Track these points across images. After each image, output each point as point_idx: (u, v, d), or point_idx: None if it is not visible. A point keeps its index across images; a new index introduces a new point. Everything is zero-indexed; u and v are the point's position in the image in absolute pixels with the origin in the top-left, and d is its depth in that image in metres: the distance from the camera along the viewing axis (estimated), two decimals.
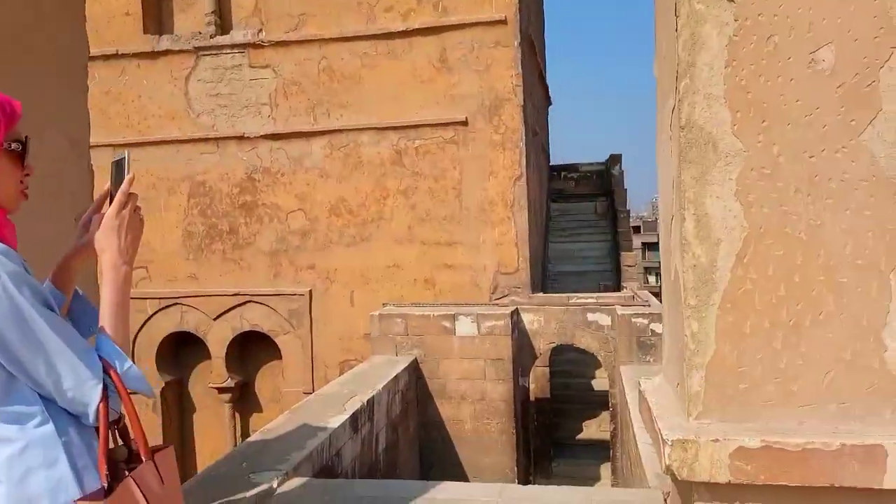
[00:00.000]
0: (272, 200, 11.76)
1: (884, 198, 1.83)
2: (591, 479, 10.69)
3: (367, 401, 6.64)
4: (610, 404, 9.27)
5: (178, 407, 11.70)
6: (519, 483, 8.67)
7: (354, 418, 6.21)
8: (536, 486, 4.74)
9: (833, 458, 1.79)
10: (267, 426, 5.78)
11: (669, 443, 1.89)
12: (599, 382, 13.30)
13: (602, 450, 11.32)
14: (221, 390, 11.44)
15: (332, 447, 5.59)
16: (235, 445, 11.22)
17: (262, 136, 11.73)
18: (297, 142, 11.63)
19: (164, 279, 12.12)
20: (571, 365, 13.52)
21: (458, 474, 8.58)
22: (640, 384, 2.53)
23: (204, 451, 11.32)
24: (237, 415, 11.59)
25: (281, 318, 11.71)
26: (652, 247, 46.43)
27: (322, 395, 6.76)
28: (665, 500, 4.44)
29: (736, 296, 1.93)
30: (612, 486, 9.30)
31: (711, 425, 1.94)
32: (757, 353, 1.93)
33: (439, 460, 8.66)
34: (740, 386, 1.94)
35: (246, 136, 11.80)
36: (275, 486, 4.51)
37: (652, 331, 8.24)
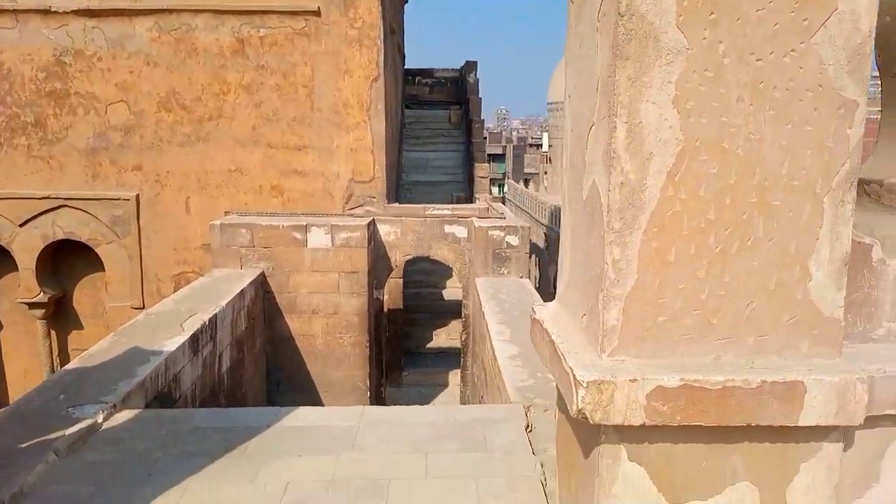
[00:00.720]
0: (87, 89, 10.11)
1: (827, 112, 1.64)
2: (440, 386, 10.95)
3: (209, 319, 6.04)
4: (462, 315, 9.35)
5: None
6: (371, 395, 8.60)
7: (195, 339, 5.61)
8: (397, 407, 4.56)
9: (753, 395, 1.66)
10: (89, 350, 5.03)
11: (584, 384, 1.66)
12: (450, 292, 13.51)
13: (451, 357, 11.60)
14: (32, 305, 10.05)
15: (168, 372, 5.00)
16: (52, 366, 10.05)
17: (73, 12, 9.88)
18: (116, 21, 9.94)
19: None
20: (424, 275, 13.55)
21: (308, 389, 8.30)
22: (533, 311, 2.29)
23: (14, 372, 10.02)
24: (53, 332, 10.30)
25: (102, 225, 10.37)
26: (496, 158, 47.61)
27: (156, 314, 6.02)
28: (526, 414, 4.47)
29: (664, 219, 1.68)
30: (461, 392, 9.55)
31: (626, 363, 1.73)
32: (679, 282, 1.72)
33: (288, 376, 8.30)
34: (659, 319, 1.74)
35: (53, 9, 9.87)
36: (99, 420, 3.91)
37: (507, 243, 8.27)
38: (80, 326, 10.52)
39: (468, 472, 3.52)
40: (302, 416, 4.20)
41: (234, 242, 8.26)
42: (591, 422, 1.68)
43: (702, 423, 1.69)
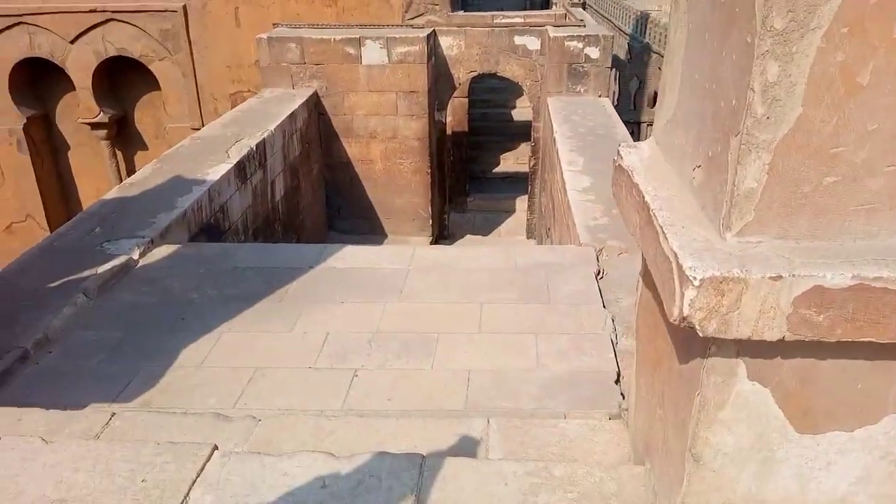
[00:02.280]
0: None
1: None
2: (506, 213, 10.53)
3: (257, 144, 5.62)
4: (532, 138, 8.61)
5: (48, 145, 10.20)
6: (433, 222, 8.28)
7: (241, 166, 5.24)
8: (452, 248, 4.14)
9: None
10: (130, 179, 4.76)
11: (695, 282, 1.08)
12: (520, 113, 12.59)
13: (519, 183, 11.03)
14: (95, 126, 9.94)
15: (213, 203, 4.70)
16: None
17: None
18: None
19: None
20: (492, 94, 12.59)
21: (369, 216, 8.03)
22: (619, 155, 1.66)
23: (88, 196, 10.20)
24: (118, 153, 10.29)
25: (153, 40, 9.82)
26: None
27: (200, 140, 5.64)
28: (598, 259, 3.97)
29: (863, 12, 0.98)
30: (527, 220, 9.11)
31: (763, 247, 1.13)
32: (871, 119, 1.05)
33: (348, 203, 8.01)
34: (827, 180, 1.10)
35: None
36: (135, 257, 3.67)
37: (586, 56, 7.23)
38: (144, 147, 10.44)
39: (527, 326, 3.12)
40: (349, 256, 3.84)
41: (283, 59, 7.59)
42: (702, 334, 1.13)
43: (872, 339, 1.12)
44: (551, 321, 3.15)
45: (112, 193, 4.46)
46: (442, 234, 8.76)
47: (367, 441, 2.12)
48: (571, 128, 6.40)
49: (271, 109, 6.70)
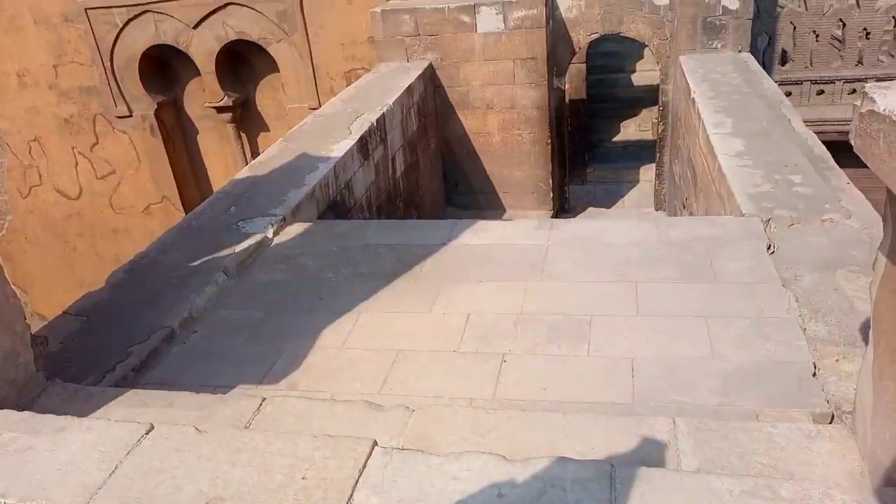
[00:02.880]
0: None
1: None
2: (629, 182, 9.95)
3: (377, 119, 5.49)
4: (660, 102, 7.98)
5: (178, 129, 10.71)
6: (554, 196, 7.91)
7: (363, 142, 5.13)
8: (596, 220, 3.81)
9: None
10: (258, 159, 4.77)
11: None
12: (640, 77, 11.86)
13: (642, 151, 10.41)
14: (220, 110, 10.30)
15: (338, 180, 4.62)
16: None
17: None
18: None
19: None
20: (607, 58, 11.92)
21: (487, 190, 7.78)
22: (867, 98, 1.29)
23: (217, 176, 10.65)
24: (243, 135, 10.64)
25: (270, 22, 9.99)
26: None
27: (322, 117, 5.59)
28: (766, 230, 3.51)
29: None
30: (655, 190, 8.52)
31: None
32: None
33: (465, 177, 7.79)
34: None
35: None
36: (270, 235, 3.63)
37: (724, 7, 6.52)
38: (266, 128, 10.73)
39: (694, 308, 2.76)
40: (481, 231, 3.61)
41: (397, 32, 7.44)
42: None
43: None
44: (722, 303, 2.77)
45: (243, 173, 4.48)
46: (563, 208, 8.38)
47: (534, 440, 1.88)
48: (712, 86, 5.81)
49: (388, 84, 6.57)
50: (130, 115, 10.33)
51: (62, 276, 11.10)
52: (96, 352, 2.67)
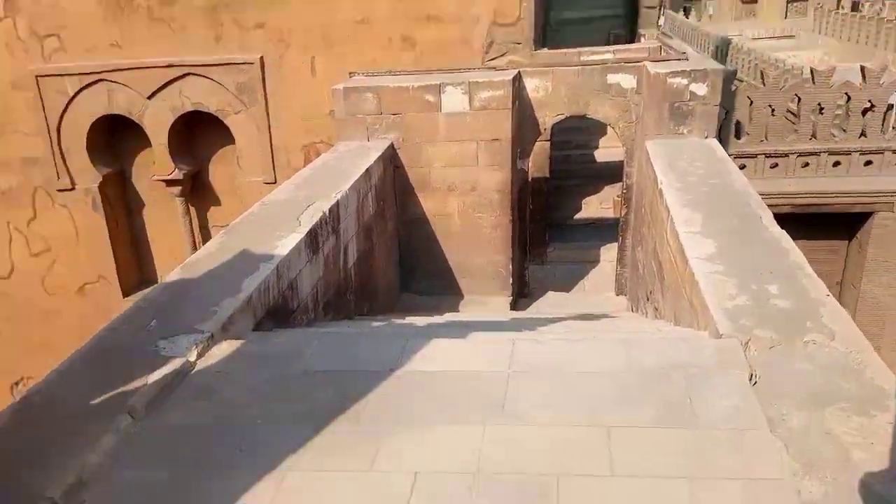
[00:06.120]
0: None
1: None
2: (591, 263, 9.71)
3: (330, 208, 5.14)
4: (624, 184, 7.84)
5: (122, 204, 10.19)
6: (513, 280, 7.59)
7: (313, 235, 4.75)
8: (560, 343, 3.45)
9: None
10: (192, 257, 4.32)
11: None
12: (604, 153, 11.86)
13: (604, 230, 10.24)
14: (170, 183, 9.86)
15: (281, 280, 4.21)
16: (194, 244, 10.00)
17: None
18: None
19: (82, 49, 9.81)
20: (571, 134, 11.90)
21: (445, 276, 7.43)
22: None
23: (161, 254, 10.11)
24: (192, 209, 10.17)
25: (229, 93, 9.71)
26: None
27: (270, 205, 5.21)
28: (745, 353, 3.19)
29: None
30: (617, 274, 8.28)
31: None
32: None
33: (423, 262, 7.44)
34: None
35: None
36: (192, 359, 3.17)
37: (692, 93, 6.44)
38: (217, 202, 10.31)
39: (675, 465, 2.38)
40: (438, 354, 3.22)
41: (359, 110, 7.19)
42: None
43: None
44: (707, 459, 2.40)
45: (174, 275, 4.03)
46: (522, 293, 8.06)
47: None
48: (679, 176, 5.63)
49: (345, 165, 6.26)
50: (73, 188, 9.79)
51: None
52: None
